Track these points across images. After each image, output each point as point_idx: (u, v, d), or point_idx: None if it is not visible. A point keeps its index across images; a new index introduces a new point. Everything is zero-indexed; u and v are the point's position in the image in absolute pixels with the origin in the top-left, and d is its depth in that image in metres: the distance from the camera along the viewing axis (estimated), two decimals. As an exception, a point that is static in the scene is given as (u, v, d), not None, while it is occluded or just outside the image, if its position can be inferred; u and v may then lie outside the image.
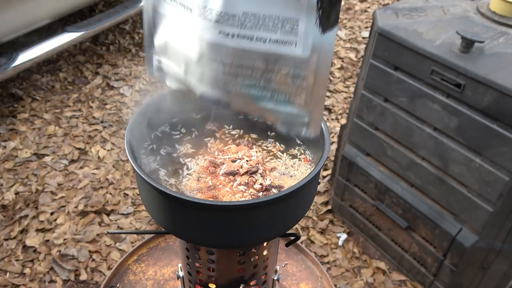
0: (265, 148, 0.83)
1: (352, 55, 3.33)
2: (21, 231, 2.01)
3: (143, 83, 2.95)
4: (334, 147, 2.25)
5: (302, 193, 0.71)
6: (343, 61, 3.27)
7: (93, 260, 1.92)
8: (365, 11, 3.91)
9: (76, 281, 1.85)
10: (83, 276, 1.86)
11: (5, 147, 2.41)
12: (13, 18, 2.44)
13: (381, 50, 1.57)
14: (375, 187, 1.81)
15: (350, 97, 2.91)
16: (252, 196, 0.70)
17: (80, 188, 2.22)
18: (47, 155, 2.39)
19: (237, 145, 0.81)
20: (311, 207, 2.21)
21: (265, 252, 0.84)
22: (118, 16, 2.84)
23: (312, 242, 2.05)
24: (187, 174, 0.76)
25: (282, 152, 0.82)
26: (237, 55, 0.70)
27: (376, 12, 1.63)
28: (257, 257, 0.83)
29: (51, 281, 1.84)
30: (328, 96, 2.91)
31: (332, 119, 2.75)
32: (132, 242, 1.99)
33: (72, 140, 2.49)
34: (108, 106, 2.75)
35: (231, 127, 0.87)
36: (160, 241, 1.24)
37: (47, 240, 1.98)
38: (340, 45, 3.45)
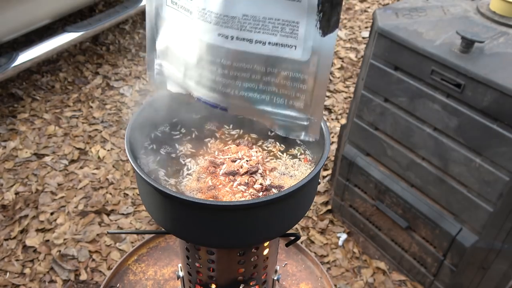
0: (265, 148, 0.83)
1: (352, 55, 3.33)
2: (21, 231, 2.01)
3: (143, 83, 2.95)
4: (334, 147, 2.25)
5: (302, 193, 0.71)
6: (343, 61, 3.27)
7: (93, 260, 1.92)
8: (365, 11, 3.91)
9: (76, 281, 1.85)
10: (83, 276, 1.86)
11: (5, 147, 2.41)
12: (13, 18, 2.44)
13: (381, 50, 1.57)
14: (375, 187, 1.81)
15: (350, 97, 2.91)
16: (252, 196, 0.70)
17: (80, 188, 2.22)
18: (47, 155, 2.39)
19: (237, 145, 0.81)
20: (311, 207, 2.21)
21: (265, 252, 0.84)
22: (118, 16, 2.84)
23: (312, 242, 2.05)
24: (187, 174, 0.76)
25: (282, 152, 0.82)
26: (236, 58, 0.70)
27: (376, 12, 1.63)
28: (257, 257, 0.83)
29: (51, 281, 1.84)
30: (328, 96, 2.91)
31: (332, 119, 2.75)
32: (132, 242, 1.99)
33: (72, 140, 2.49)
34: (108, 106, 2.75)
35: (231, 127, 0.87)
36: (160, 241, 1.24)
37: (47, 240, 1.98)
38: (340, 45, 3.45)
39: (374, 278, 1.92)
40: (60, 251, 1.94)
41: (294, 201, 0.71)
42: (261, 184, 0.72)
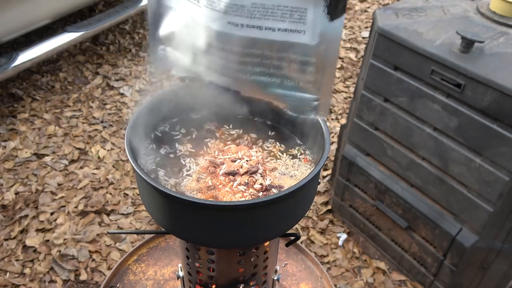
0: (265, 148, 0.83)
1: (352, 55, 3.33)
2: (21, 231, 2.01)
3: (143, 83, 2.95)
4: (334, 147, 2.25)
5: (302, 193, 0.71)
6: (343, 61, 3.27)
7: (93, 260, 1.92)
8: (365, 11, 3.91)
9: (76, 281, 1.85)
10: (83, 276, 1.86)
11: (5, 147, 2.41)
12: (13, 18, 2.44)
13: (381, 50, 1.57)
14: (375, 187, 1.81)
15: (350, 97, 2.91)
16: (252, 196, 0.70)
17: (80, 188, 2.22)
18: (47, 155, 2.39)
19: (237, 145, 0.81)
20: (311, 207, 2.21)
21: (265, 252, 0.84)
22: (118, 16, 2.84)
23: (312, 242, 2.05)
24: (187, 174, 0.76)
25: (282, 152, 0.82)
26: (246, 44, 0.71)
27: (376, 12, 1.63)
28: (257, 257, 0.83)
29: (51, 281, 1.84)
30: (328, 96, 2.90)
31: (332, 119, 2.75)
32: (132, 242, 1.99)
33: (72, 140, 2.49)
34: (108, 106, 2.75)
35: (230, 126, 0.87)
36: (160, 241, 1.24)
37: (47, 240, 1.98)
38: (340, 45, 3.45)
39: (374, 278, 1.92)
40: (60, 251, 1.94)
41: (294, 201, 0.71)
42: (261, 184, 0.72)
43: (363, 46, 3.42)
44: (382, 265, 1.95)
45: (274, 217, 0.70)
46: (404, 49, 1.49)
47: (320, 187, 2.28)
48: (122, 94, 2.85)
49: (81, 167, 2.34)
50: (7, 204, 2.12)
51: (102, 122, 2.63)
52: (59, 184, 2.24)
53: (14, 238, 1.98)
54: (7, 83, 2.83)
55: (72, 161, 2.37)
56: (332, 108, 2.83)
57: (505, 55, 1.36)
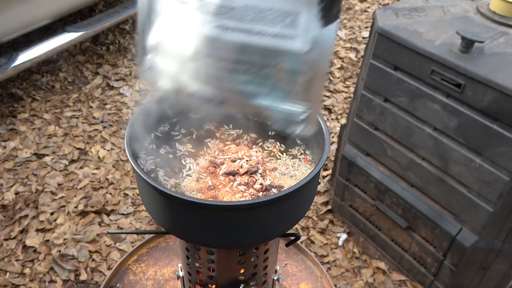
0: (265, 148, 0.83)
1: (352, 55, 3.33)
2: (21, 231, 2.01)
3: (143, 83, 2.94)
4: (334, 147, 2.25)
5: (302, 193, 0.71)
6: (343, 61, 3.27)
7: (93, 260, 1.92)
8: (365, 11, 3.91)
9: (76, 281, 1.85)
10: (83, 276, 1.86)
11: (5, 147, 2.41)
12: (13, 18, 2.44)
13: (381, 50, 1.57)
14: (375, 187, 1.81)
15: (350, 97, 2.91)
16: (252, 196, 0.70)
17: (80, 188, 2.22)
18: (47, 155, 2.39)
19: (237, 145, 0.81)
20: (311, 207, 2.21)
21: (265, 252, 0.84)
22: (118, 16, 2.84)
23: (312, 242, 2.05)
24: (187, 174, 0.76)
25: (282, 152, 0.82)
26: (235, 50, 0.68)
27: (376, 12, 1.63)
28: (257, 257, 0.83)
29: (51, 281, 1.84)
30: (328, 96, 2.91)
31: (332, 119, 2.75)
32: (132, 242, 1.99)
33: (72, 140, 2.49)
34: (108, 106, 2.75)
35: (230, 126, 0.87)
36: (160, 241, 1.24)
37: (47, 240, 1.98)
38: (340, 45, 3.45)
39: (374, 278, 1.92)
40: (60, 251, 1.94)
41: (294, 201, 0.71)
42: (261, 184, 0.72)
43: (363, 46, 3.42)
44: (382, 265, 1.95)
45: (274, 217, 0.70)
46: (404, 49, 1.49)
47: (320, 187, 2.28)
48: (122, 94, 2.85)
49: (81, 167, 2.34)
50: (7, 204, 2.12)
51: (102, 122, 2.63)
52: (59, 184, 2.24)
53: (14, 238, 1.98)
54: (7, 83, 2.83)
55: (72, 161, 2.37)
56: (332, 108, 2.83)
57: (505, 55, 1.36)
